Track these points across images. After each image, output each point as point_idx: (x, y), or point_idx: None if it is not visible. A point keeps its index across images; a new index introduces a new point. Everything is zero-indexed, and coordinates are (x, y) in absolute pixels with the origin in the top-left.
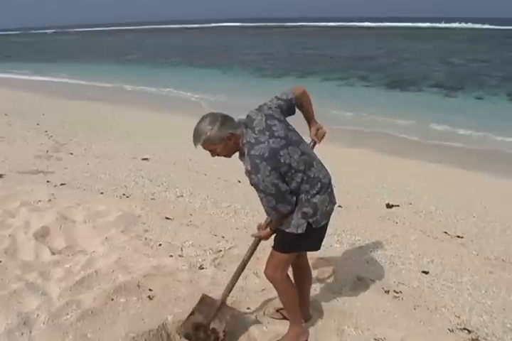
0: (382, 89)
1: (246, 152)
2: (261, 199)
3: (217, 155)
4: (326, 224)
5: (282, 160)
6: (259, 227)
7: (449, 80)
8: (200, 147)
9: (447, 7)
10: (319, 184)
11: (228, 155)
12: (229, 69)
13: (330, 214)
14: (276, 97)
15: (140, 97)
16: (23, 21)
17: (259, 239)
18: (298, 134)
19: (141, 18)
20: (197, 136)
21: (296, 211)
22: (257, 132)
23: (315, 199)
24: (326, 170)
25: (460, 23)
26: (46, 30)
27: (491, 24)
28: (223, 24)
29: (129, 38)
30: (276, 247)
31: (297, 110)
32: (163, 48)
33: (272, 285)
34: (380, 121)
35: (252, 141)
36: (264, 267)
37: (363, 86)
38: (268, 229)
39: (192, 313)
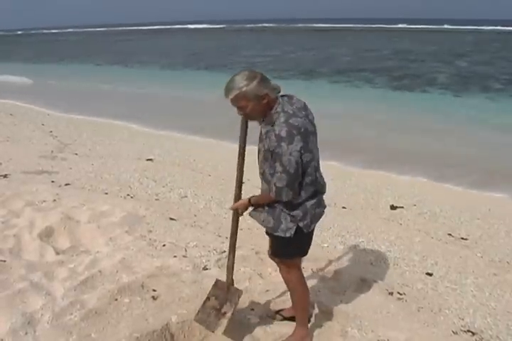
0: (388, 90)
1: (282, 120)
2: (271, 174)
3: (244, 114)
4: (313, 229)
5: (310, 146)
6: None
7: (455, 82)
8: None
9: (450, 8)
10: (318, 186)
11: (255, 116)
12: (236, 70)
13: (319, 218)
14: None
15: (145, 98)
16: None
17: (236, 213)
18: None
19: (128, 19)
20: (230, 88)
21: (285, 213)
22: (294, 107)
23: (307, 202)
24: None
25: (466, 25)
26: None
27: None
28: (219, 26)
29: (125, 39)
30: (272, 254)
31: None
32: (162, 50)
33: (276, 286)
34: (385, 121)
35: (291, 112)
36: (267, 268)
37: (369, 87)
38: (246, 200)
39: (208, 299)
